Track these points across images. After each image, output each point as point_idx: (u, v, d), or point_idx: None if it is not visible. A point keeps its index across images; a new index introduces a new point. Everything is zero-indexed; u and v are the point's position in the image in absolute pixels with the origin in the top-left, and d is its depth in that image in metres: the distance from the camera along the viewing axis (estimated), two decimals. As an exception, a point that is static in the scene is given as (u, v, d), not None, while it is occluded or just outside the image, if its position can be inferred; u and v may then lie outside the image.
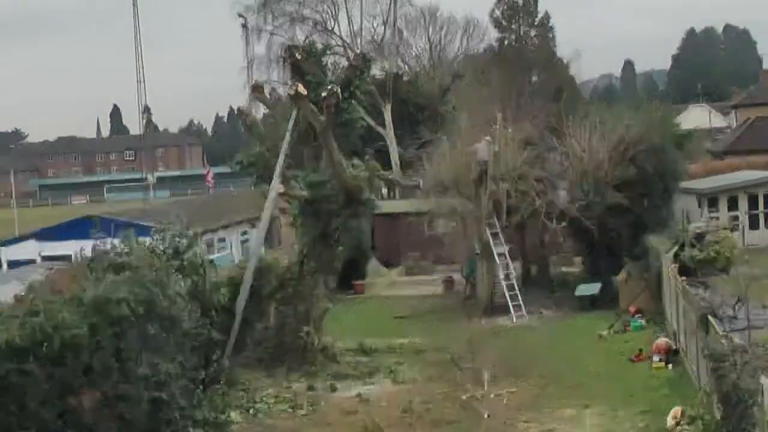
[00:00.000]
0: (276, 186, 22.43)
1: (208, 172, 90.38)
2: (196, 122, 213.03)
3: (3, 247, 44.89)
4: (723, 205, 38.15)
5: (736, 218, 37.36)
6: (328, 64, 24.52)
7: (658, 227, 28.48)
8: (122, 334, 14.83)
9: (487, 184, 28.60)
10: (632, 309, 26.08)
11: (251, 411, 19.36)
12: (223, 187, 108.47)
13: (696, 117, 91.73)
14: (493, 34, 59.32)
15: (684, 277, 21.37)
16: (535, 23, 55.32)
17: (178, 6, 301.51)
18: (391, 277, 38.59)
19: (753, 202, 38.18)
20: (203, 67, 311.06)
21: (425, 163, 30.86)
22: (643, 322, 25.34)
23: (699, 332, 17.45)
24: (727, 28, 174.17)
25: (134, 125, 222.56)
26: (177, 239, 20.37)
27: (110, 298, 14.65)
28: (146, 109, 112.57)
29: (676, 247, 27.10)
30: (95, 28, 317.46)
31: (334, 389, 20.93)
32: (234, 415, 18.86)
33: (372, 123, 55.58)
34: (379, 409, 19.13)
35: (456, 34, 71.28)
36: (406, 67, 68.64)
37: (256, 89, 26.04)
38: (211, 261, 23.86)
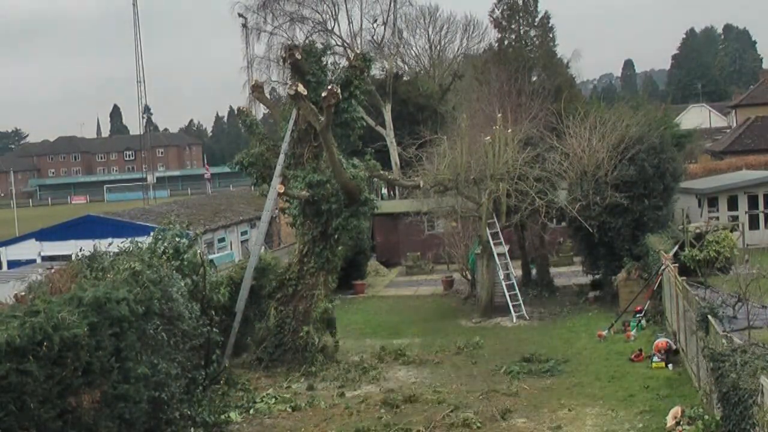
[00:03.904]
0: (276, 186, 22.43)
1: (207, 171, 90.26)
2: (196, 122, 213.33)
3: (3, 247, 44.94)
4: (723, 205, 38.17)
5: (736, 218, 37.37)
6: (328, 64, 24.47)
7: (658, 227, 28.49)
8: (122, 334, 14.83)
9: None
10: (635, 308, 26.04)
11: (251, 411, 19.34)
12: (223, 187, 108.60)
13: (696, 117, 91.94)
14: (493, 34, 59.32)
15: (684, 277, 21.36)
16: (535, 23, 55.23)
17: (179, 6, 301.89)
18: (391, 277, 38.65)
19: (753, 202, 38.20)
20: (203, 68, 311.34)
21: (425, 163, 30.84)
22: (643, 322, 25.34)
23: (699, 332, 17.44)
24: (727, 28, 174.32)
25: (134, 125, 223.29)
26: (177, 239, 20.37)
27: (110, 298, 14.65)
28: (146, 109, 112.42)
29: (676, 247, 27.12)
30: (96, 29, 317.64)
31: (333, 389, 20.91)
32: (234, 415, 18.86)
33: (372, 123, 55.64)
34: (378, 409, 19.13)
35: (456, 34, 71.51)
36: (406, 67, 68.71)
37: (256, 89, 25.99)
38: (211, 261, 23.88)
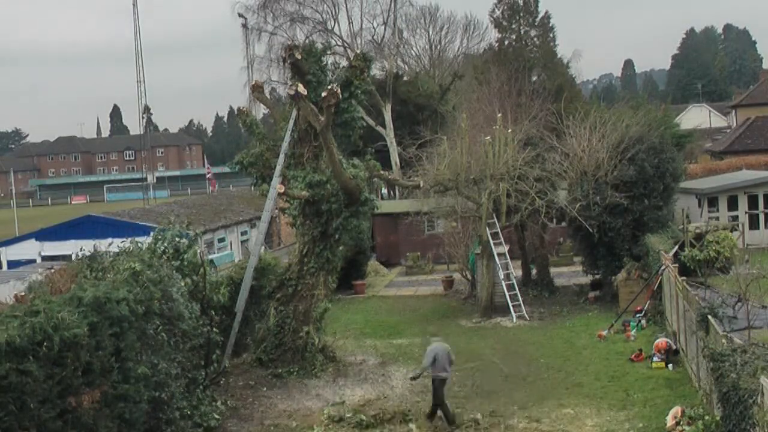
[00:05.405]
0: (276, 186, 22.41)
1: (209, 172, 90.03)
2: (196, 122, 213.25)
3: (3, 247, 44.95)
4: (723, 205, 38.18)
5: (736, 218, 37.38)
6: (328, 64, 24.44)
7: (658, 227, 28.49)
8: (122, 334, 14.83)
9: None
10: (635, 308, 26.04)
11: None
12: (223, 186, 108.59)
13: (696, 117, 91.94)
14: (493, 34, 59.35)
15: (684, 277, 21.36)
16: (535, 23, 55.22)
17: (179, 6, 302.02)
18: (391, 277, 38.62)
19: (753, 202, 38.21)
20: (203, 67, 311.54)
21: (425, 163, 30.84)
22: (643, 322, 25.35)
23: (699, 332, 17.45)
24: (727, 28, 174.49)
25: (134, 125, 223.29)
26: (177, 239, 20.35)
27: (110, 298, 14.64)
28: (146, 109, 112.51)
29: (676, 247, 27.13)
30: (97, 29, 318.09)
31: (335, 390, 20.94)
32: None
33: (372, 123, 55.66)
34: (377, 410, 19.13)
35: (456, 34, 71.57)
36: (406, 67, 68.73)
37: (256, 89, 25.96)
38: (211, 261, 23.87)
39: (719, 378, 13.69)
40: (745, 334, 18.84)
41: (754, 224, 37.91)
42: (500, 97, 40.98)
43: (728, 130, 76.89)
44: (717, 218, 36.83)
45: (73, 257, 19.94)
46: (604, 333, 24.79)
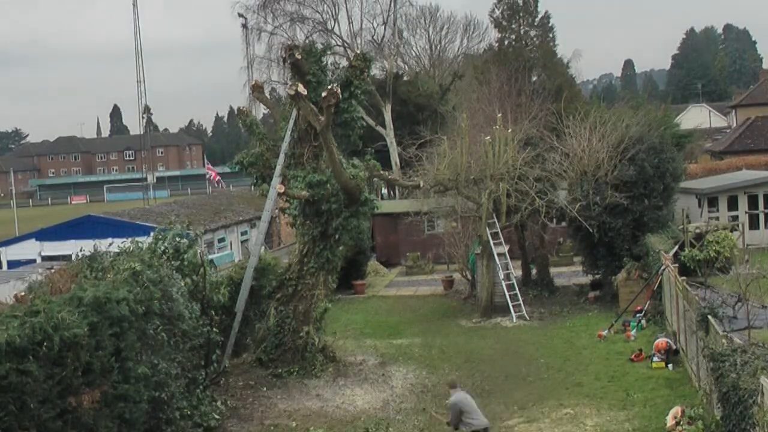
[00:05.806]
0: (276, 186, 22.40)
1: (212, 172, 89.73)
2: (196, 122, 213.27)
3: (3, 247, 44.96)
4: (723, 205, 38.18)
5: (736, 218, 37.37)
6: (328, 64, 24.44)
7: (658, 227, 28.49)
8: (122, 334, 14.83)
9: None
10: (635, 308, 26.03)
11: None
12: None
13: (696, 117, 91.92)
14: (493, 34, 59.35)
15: (684, 277, 21.36)
16: (535, 23, 55.21)
17: (179, 5, 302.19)
18: (391, 277, 38.61)
19: (753, 202, 38.20)
20: (203, 67, 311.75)
21: (425, 163, 30.84)
22: (643, 322, 25.34)
23: (699, 332, 17.45)
24: (727, 28, 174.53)
25: (134, 125, 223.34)
26: (177, 239, 20.35)
27: (110, 298, 14.64)
28: (146, 109, 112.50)
29: (676, 247, 27.13)
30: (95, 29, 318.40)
31: (335, 389, 20.94)
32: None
33: (372, 123, 55.65)
34: (378, 410, 19.14)
35: (456, 34, 71.56)
36: (406, 67, 68.71)
37: (256, 89, 25.96)
38: (211, 261, 23.86)
39: (719, 378, 13.69)
40: (745, 334, 18.84)
41: (754, 224, 37.91)
42: (500, 97, 40.95)
43: (728, 130, 76.87)
44: (717, 218, 36.82)
45: (73, 257, 19.90)
46: (604, 333, 24.78)
